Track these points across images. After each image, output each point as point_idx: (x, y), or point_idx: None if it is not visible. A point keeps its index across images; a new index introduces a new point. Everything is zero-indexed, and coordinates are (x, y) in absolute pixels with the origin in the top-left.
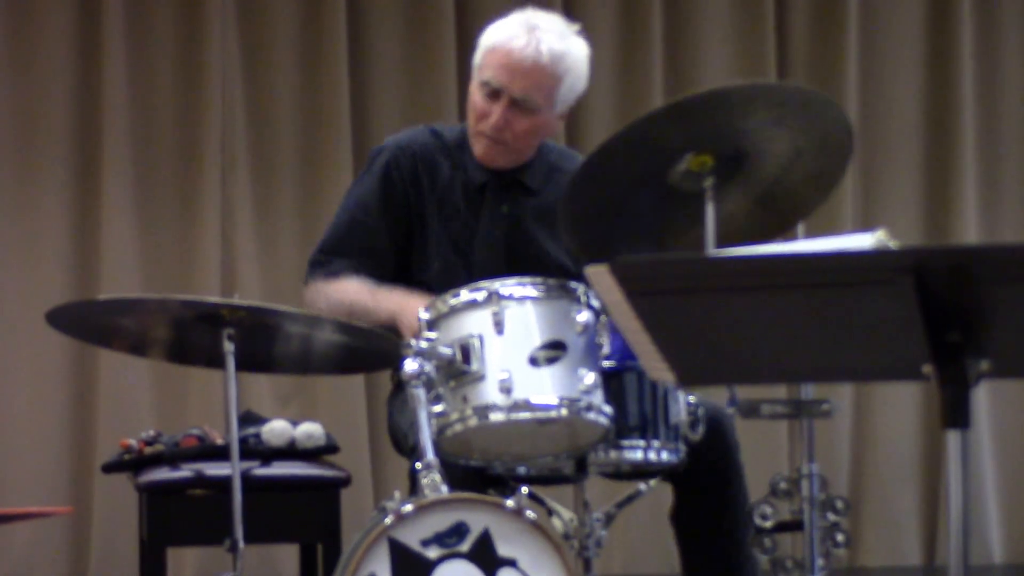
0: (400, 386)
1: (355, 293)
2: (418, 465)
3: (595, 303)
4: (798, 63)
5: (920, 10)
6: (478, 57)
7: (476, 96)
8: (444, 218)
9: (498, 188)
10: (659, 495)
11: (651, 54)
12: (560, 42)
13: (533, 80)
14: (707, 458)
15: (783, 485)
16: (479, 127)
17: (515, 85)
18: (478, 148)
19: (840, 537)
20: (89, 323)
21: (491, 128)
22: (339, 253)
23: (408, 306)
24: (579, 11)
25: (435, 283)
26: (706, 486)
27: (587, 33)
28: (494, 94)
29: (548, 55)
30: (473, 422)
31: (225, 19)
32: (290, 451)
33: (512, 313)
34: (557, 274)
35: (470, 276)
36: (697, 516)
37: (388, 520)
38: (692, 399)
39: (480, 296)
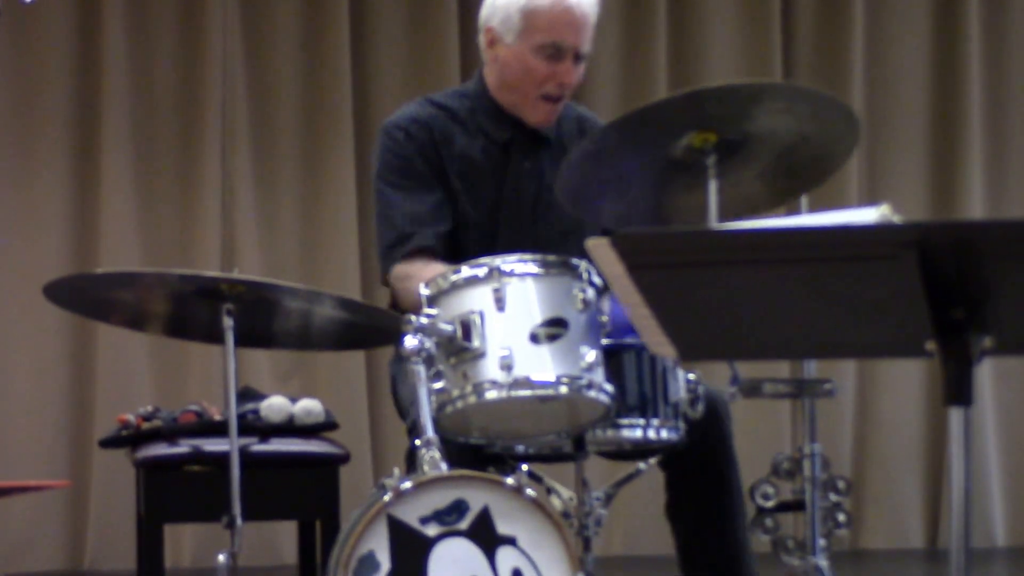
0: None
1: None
2: (418, 442)
3: (597, 280)
4: (804, 38)
5: None
6: (517, 21)
7: (531, 61)
8: (466, 183)
9: (522, 143)
10: (660, 476)
11: (656, 35)
12: None
13: (588, 31)
14: (701, 444)
15: (785, 465)
16: (544, 89)
17: (580, 40)
18: (539, 113)
19: (842, 518)
20: (87, 297)
21: (566, 87)
22: (414, 229)
23: None
24: None
25: (466, 246)
26: (700, 474)
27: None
28: (558, 54)
29: (593, 4)
30: (473, 399)
31: None
32: (289, 428)
33: (513, 289)
34: (576, 227)
35: (496, 237)
36: (691, 506)
37: (387, 497)
38: (692, 376)
39: (481, 272)
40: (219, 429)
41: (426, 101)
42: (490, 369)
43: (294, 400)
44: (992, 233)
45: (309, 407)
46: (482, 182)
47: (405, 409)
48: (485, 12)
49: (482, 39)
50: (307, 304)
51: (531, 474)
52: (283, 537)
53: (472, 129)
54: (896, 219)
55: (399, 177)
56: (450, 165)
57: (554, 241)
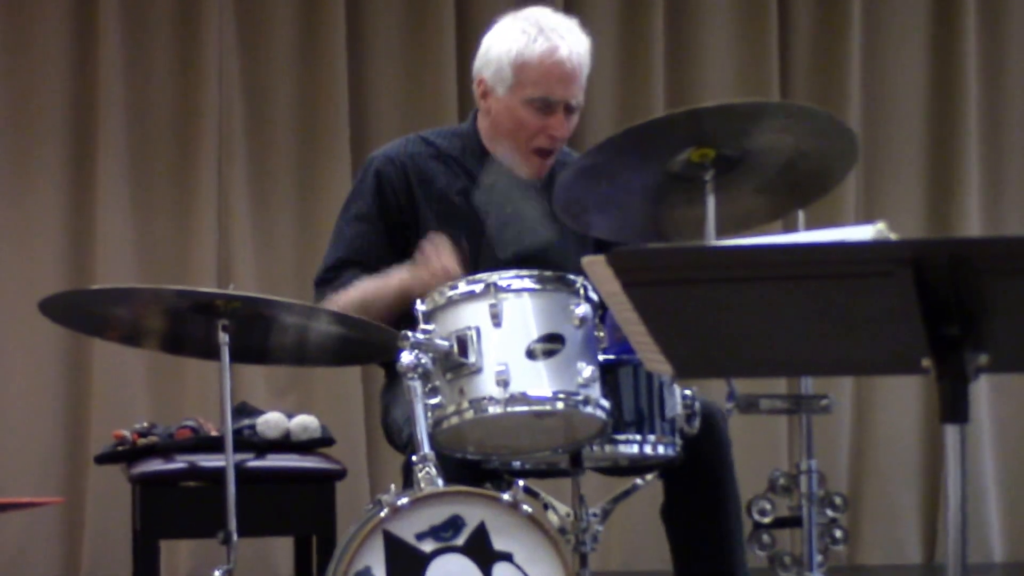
0: (394, 379)
1: (360, 287)
2: (414, 458)
3: (593, 296)
4: (801, 54)
5: (924, 1)
6: (508, 74)
7: (522, 113)
8: (443, 223)
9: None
10: (656, 491)
11: (652, 54)
12: (581, 37)
13: (580, 83)
14: (699, 455)
15: (782, 481)
16: (536, 143)
17: (570, 93)
18: (531, 167)
19: (838, 534)
20: (83, 313)
21: (557, 141)
22: (346, 266)
23: (414, 268)
24: (579, 7)
25: None
26: (697, 483)
27: (587, 30)
28: (548, 108)
29: (584, 55)
30: (469, 415)
31: (223, 7)
32: (285, 443)
33: (510, 305)
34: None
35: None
36: (688, 513)
37: (383, 513)
38: (688, 392)
39: (477, 288)
40: (215, 445)
41: (416, 137)
42: (486, 385)
43: (290, 416)
44: (988, 250)
45: (305, 423)
46: (460, 223)
47: (395, 436)
48: (478, 63)
49: (476, 89)
50: (303, 320)
51: (528, 490)
52: (279, 553)
53: (456, 169)
54: (892, 236)
55: (354, 212)
56: (427, 204)
57: None
